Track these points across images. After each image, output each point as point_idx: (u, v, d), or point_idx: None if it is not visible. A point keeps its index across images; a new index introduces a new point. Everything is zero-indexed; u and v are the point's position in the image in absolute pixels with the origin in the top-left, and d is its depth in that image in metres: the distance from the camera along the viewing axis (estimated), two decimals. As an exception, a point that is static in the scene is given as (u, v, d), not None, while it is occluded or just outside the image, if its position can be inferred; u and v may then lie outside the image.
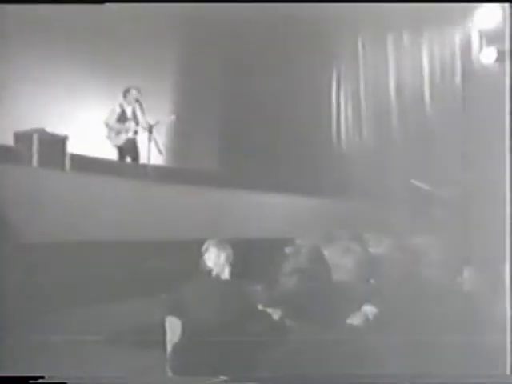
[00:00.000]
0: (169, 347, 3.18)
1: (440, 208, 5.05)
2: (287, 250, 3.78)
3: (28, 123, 5.00)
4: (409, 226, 4.67)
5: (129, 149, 6.08)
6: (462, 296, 3.76)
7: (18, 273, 3.74)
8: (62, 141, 5.12)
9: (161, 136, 6.01)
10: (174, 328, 3.26)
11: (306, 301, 3.20)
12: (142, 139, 5.97)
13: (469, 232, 4.33)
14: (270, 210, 5.55)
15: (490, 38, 4.59)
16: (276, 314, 3.23)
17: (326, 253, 3.57)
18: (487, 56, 4.50)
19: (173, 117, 6.41)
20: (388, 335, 3.26)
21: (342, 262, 3.54)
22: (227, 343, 3.04)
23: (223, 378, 3.13)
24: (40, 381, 3.19)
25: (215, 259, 3.40)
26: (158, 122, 5.83)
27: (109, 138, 5.99)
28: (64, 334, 3.66)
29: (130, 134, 6.05)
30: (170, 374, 3.01)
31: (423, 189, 5.45)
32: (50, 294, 3.81)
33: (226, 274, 3.41)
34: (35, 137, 4.89)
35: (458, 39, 5.77)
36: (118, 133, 6.01)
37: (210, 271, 3.42)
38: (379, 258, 3.95)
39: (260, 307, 3.31)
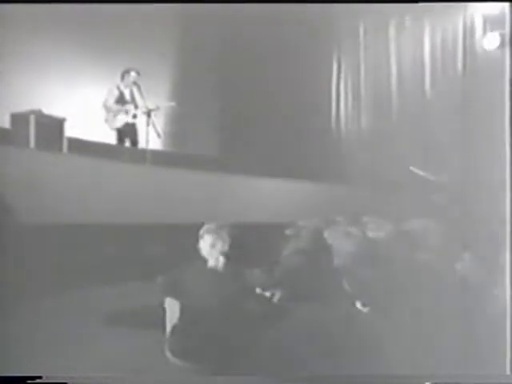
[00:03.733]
0: (168, 329, 3.18)
1: (439, 194, 5.05)
2: (288, 231, 3.78)
3: (25, 105, 4.96)
4: (408, 212, 4.66)
5: (128, 132, 6.04)
6: (461, 283, 3.75)
7: (14, 255, 3.72)
8: (59, 123, 5.09)
9: (159, 120, 5.98)
10: (172, 310, 3.25)
11: (306, 282, 3.21)
12: (140, 123, 5.94)
13: (468, 218, 4.33)
14: (268, 195, 5.54)
15: (493, 23, 4.56)
16: (275, 297, 3.23)
17: (325, 236, 3.58)
18: (490, 41, 4.46)
19: (172, 103, 6.38)
20: (385, 324, 3.26)
21: (341, 246, 3.54)
22: (226, 325, 3.04)
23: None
24: (38, 381, 3.18)
25: (210, 249, 3.30)
26: (158, 108, 5.79)
27: (106, 120, 5.94)
28: (62, 316, 3.65)
29: (129, 118, 5.99)
30: (168, 355, 3.02)
31: (422, 175, 5.45)
32: (46, 276, 3.80)
33: (220, 265, 3.31)
34: (32, 118, 4.85)
35: (461, 25, 5.73)
36: (116, 115, 5.95)
37: (205, 260, 3.38)
38: (378, 244, 3.95)
39: (259, 290, 3.31)
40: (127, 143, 6.05)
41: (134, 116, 6.01)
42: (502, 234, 3.79)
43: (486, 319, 3.46)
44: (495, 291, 3.68)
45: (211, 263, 3.33)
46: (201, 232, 3.42)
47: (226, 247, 3.28)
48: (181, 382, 3.07)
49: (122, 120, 5.97)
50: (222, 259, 3.29)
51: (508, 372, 3.51)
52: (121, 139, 6.03)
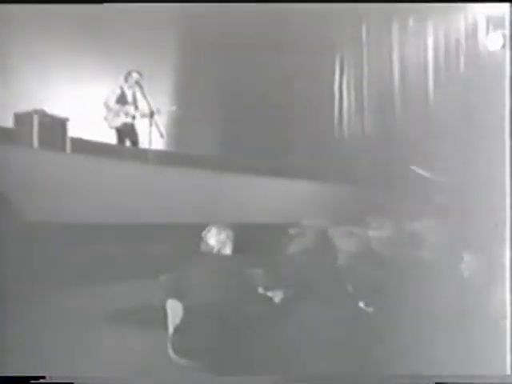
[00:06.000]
0: (170, 328, 3.20)
1: (440, 194, 5.06)
2: (292, 231, 3.80)
3: (28, 104, 4.97)
4: (410, 211, 4.67)
5: (127, 132, 6.05)
6: (462, 283, 3.77)
7: (15, 254, 3.74)
8: (62, 122, 5.10)
9: (162, 120, 5.99)
10: (175, 310, 3.27)
11: (310, 282, 3.22)
12: (143, 123, 5.95)
13: (469, 218, 4.34)
14: (272, 195, 5.54)
15: (496, 23, 4.55)
16: (277, 297, 3.25)
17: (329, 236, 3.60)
18: (493, 42, 4.45)
19: (173, 108, 6.39)
20: (387, 324, 3.27)
21: (344, 245, 3.56)
22: (229, 324, 3.05)
23: None
24: (41, 381, 3.18)
25: (217, 236, 3.47)
26: (158, 110, 5.81)
27: (106, 118, 5.96)
28: (64, 315, 3.66)
29: (129, 119, 6.02)
30: (171, 354, 3.03)
31: (423, 175, 5.45)
32: (50, 274, 3.81)
33: (227, 250, 3.46)
34: (35, 118, 4.87)
35: (463, 24, 5.73)
36: (116, 115, 5.97)
37: (211, 249, 3.46)
38: (381, 244, 3.96)
39: (261, 290, 3.33)
40: (127, 143, 6.07)
41: (133, 117, 6.04)
42: (502, 234, 3.80)
43: (486, 319, 3.47)
44: (495, 291, 3.69)
45: (218, 248, 3.43)
46: (206, 230, 3.50)
47: (232, 236, 3.43)
48: (183, 381, 3.09)
49: (120, 120, 6.00)
50: (229, 244, 3.42)
51: (508, 372, 3.52)
52: (121, 139, 6.05)
